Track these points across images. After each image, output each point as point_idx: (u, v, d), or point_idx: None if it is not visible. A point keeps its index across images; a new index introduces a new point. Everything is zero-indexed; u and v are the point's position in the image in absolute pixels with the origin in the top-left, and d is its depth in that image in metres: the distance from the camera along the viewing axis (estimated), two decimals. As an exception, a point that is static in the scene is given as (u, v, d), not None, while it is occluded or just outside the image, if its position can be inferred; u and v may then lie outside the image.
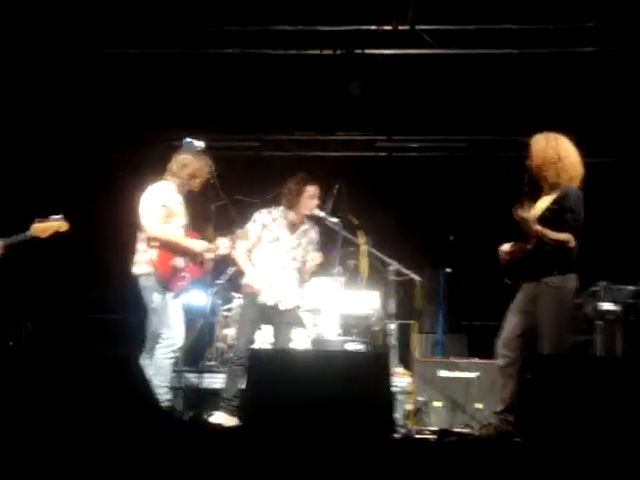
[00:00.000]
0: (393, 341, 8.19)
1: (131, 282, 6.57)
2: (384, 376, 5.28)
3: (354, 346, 8.00)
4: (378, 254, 7.91)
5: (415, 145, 11.17)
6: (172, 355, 6.40)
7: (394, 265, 7.89)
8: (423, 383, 7.44)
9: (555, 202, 5.85)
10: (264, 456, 3.99)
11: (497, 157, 10.32)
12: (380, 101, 9.91)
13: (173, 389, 6.74)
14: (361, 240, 7.89)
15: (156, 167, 6.72)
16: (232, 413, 6.67)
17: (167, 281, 6.40)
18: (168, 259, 6.44)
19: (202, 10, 8.70)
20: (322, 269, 7.81)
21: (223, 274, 8.66)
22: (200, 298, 8.25)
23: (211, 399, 7.54)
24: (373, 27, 9.00)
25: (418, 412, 7.37)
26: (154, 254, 6.40)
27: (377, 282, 8.44)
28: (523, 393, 5.72)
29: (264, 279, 7.02)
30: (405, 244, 9.41)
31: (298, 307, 7.30)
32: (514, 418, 5.80)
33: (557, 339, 5.69)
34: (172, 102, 9.89)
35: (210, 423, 6.33)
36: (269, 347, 7.70)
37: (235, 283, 8.34)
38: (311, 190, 7.08)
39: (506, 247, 6.07)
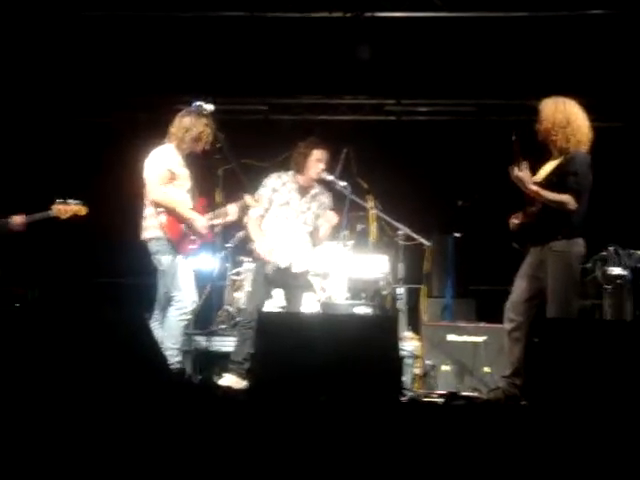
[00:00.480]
0: (401, 305, 8.21)
1: (139, 246, 6.59)
2: (392, 340, 5.30)
3: (362, 310, 8.02)
4: (387, 218, 7.90)
5: (424, 109, 11.11)
6: (184, 317, 6.42)
7: (403, 229, 7.90)
8: (431, 347, 7.46)
9: (560, 165, 5.85)
10: (272, 419, 4.02)
11: (506, 121, 10.27)
12: (389, 64, 9.86)
13: (183, 352, 6.77)
14: (370, 204, 7.87)
15: (163, 131, 6.72)
16: (241, 376, 6.71)
17: (177, 243, 6.43)
18: (178, 222, 6.46)
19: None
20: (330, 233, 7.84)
21: (232, 238, 8.66)
22: (209, 262, 8.26)
23: (220, 362, 7.58)
24: (383, -11, 8.95)
25: (426, 376, 7.40)
26: (163, 218, 6.41)
27: (386, 246, 8.44)
28: (530, 357, 5.74)
29: (275, 242, 7.07)
30: (414, 208, 9.39)
31: (308, 272, 7.34)
32: (521, 382, 5.82)
33: (564, 303, 5.71)
34: (179, 66, 9.84)
35: (219, 386, 6.36)
36: (278, 310, 7.73)
37: (244, 247, 8.36)
38: (318, 154, 7.09)
39: (516, 215, 6.06)
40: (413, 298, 8.63)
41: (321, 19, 9.20)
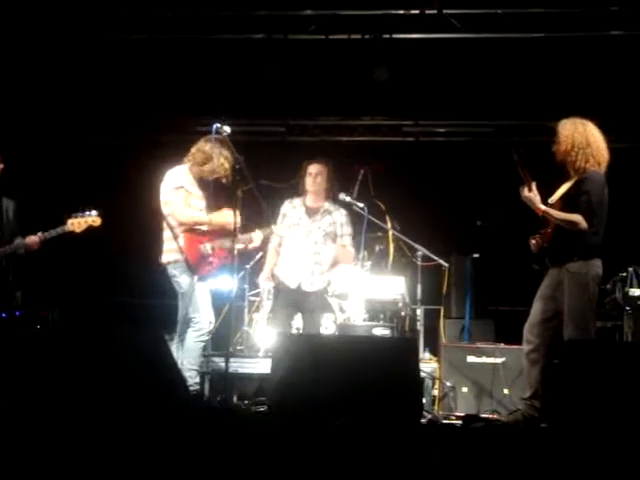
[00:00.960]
0: (420, 326, 8.19)
1: (157, 267, 6.62)
2: (414, 362, 5.29)
3: (381, 331, 7.99)
4: (405, 239, 7.91)
5: (442, 130, 11.13)
6: (202, 339, 6.44)
7: (421, 250, 7.89)
8: (450, 368, 7.45)
9: (574, 186, 5.85)
10: (291, 441, 4.01)
11: (524, 142, 10.26)
12: (407, 86, 9.88)
13: (200, 373, 6.78)
14: (388, 225, 7.88)
15: (182, 152, 6.75)
16: None
17: (195, 266, 6.46)
18: (195, 244, 6.49)
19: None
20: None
21: (251, 259, 8.67)
22: (227, 282, 8.27)
23: (238, 384, 7.58)
24: (401, 11, 8.98)
25: (445, 397, 7.38)
26: (181, 240, 6.46)
27: (404, 267, 8.43)
28: (550, 379, 5.71)
29: (286, 265, 7.20)
30: (432, 229, 9.39)
31: (326, 291, 7.35)
32: (540, 404, 5.79)
33: (581, 324, 5.68)
34: (199, 88, 9.90)
35: (238, 408, 6.37)
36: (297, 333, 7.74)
37: (263, 268, 8.38)
38: (310, 167, 7.24)
39: (535, 237, 6.05)
40: (432, 319, 8.61)
41: (340, 41, 9.24)
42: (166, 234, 6.53)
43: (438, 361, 7.74)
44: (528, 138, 10.19)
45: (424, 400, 7.18)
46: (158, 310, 8.78)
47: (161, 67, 9.79)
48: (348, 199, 7.36)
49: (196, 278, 6.44)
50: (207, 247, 6.53)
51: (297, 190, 7.36)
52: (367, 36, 9.17)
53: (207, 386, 7.68)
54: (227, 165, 6.55)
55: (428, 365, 7.75)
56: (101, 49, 9.42)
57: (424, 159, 10.94)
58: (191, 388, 6.12)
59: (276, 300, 7.41)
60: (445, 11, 8.81)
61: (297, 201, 7.30)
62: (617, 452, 3.90)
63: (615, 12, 8.60)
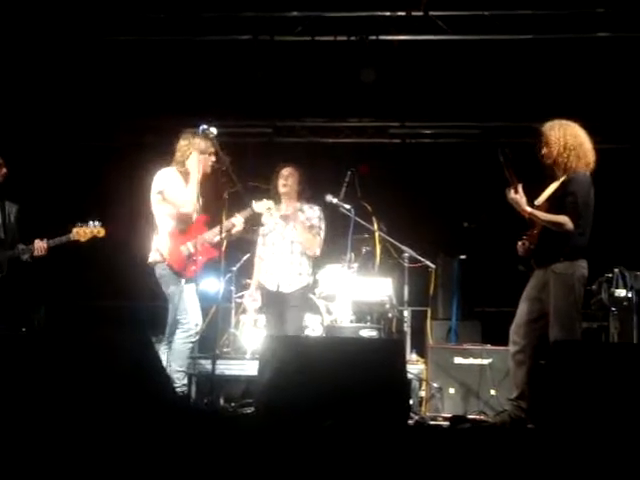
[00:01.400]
0: (407, 328, 8.20)
1: (146, 267, 6.60)
2: (400, 363, 5.29)
3: (368, 333, 8.00)
4: (392, 241, 7.91)
5: (428, 132, 11.14)
6: (190, 340, 6.41)
7: (408, 252, 7.89)
8: (437, 370, 7.45)
9: (560, 187, 5.85)
10: (278, 443, 4.01)
11: (511, 143, 10.27)
12: (393, 87, 9.89)
13: (187, 375, 6.76)
14: (375, 227, 7.89)
15: (170, 153, 6.74)
16: None
17: (179, 268, 6.43)
18: (176, 246, 6.47)
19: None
20: (335, 255, 7.88)
21: (237, 261, 8.67)
22: (214, 284, 8.26)
23: (224, 386, 7.56)
24: (387, 13, 8.98)
25: (432, 399, 7.39)
26: (161, 243, 6.47)
27: (391, 269, 8.43)
28: (536, 379, 5.72)
29: (266, 270, 7.29)
30: (419, 231, 9.40)
31: (307, 291, 7.38)
32: (527, 405, 5.80)
33: (566, 325, 5.69)
34: (186, 89, 9.88)
35: (225, 409, 6.36)
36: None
37: (249, 269, 8.38)
38: (282, 171, 7.34)
39: (523, 241, 6.05)
40: (418, 320, 8.62)
41: (326, 42, 9.23)
42: (154, 235, 6.52)
43: (425, 362, 7.75)
44: (515, 139, 10.21)
45: (411, 401, 7.19)
46: (146, 312, 8.77)
47: (147, 68, 9.76)
48: (335, 201, 7.38)
49: (183, 281, 6.41)
50: (189, 246, 6.50)
51: (271, 195, 7.39)
52: (353, 38, 9.17)
53: (194, 388, 7.66)
54: (206, 152, 6.53)
55: (415, 366, 7.76)
56: (88, 51, 9.37)
57: (411, 161, 10.95)
58: (178, 390, 6.11)
59: (263, 305, 7.43)
60: (431, 13, 8.80)
61: (273, 206, 7.28)
62: (603, 452, 3.91)
63: (601, 14, 8.63)
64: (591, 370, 4.72)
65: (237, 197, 6.66)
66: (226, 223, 6.62)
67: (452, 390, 7.36)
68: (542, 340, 5.81)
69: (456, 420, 6.23)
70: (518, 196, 5.80)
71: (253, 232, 7.35)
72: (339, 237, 7.84)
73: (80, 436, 3.91)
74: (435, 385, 7.39)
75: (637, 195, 10.04)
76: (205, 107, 9.47)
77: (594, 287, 7.94)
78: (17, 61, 9.23)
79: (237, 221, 6.74)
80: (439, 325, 9.26)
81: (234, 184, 6.48)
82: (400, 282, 8.24)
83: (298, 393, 4.86)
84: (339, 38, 9.21)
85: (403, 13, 8.90)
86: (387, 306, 8.37)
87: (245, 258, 8.47)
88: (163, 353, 6.19)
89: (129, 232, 7.09)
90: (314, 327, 7.94)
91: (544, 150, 5.94)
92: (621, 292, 7.66)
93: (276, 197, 7.29)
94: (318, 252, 7.36)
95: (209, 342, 7.77)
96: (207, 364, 7.76)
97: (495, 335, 7.61)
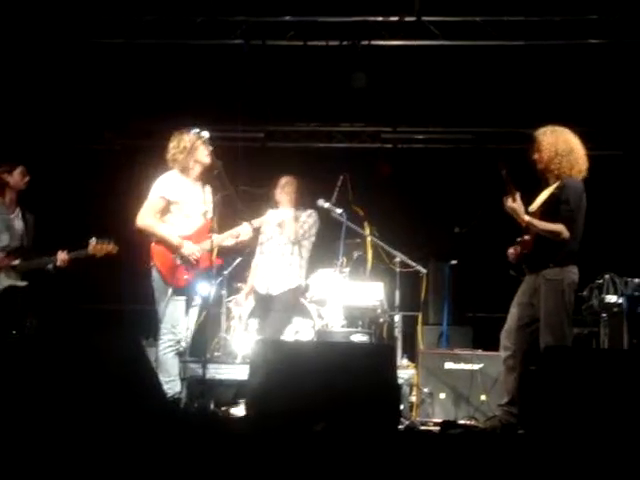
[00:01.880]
0: (398, 333, 8.19)
1: (138, 271, 6.58)
2: (391, 368, 5.29)
3: (359, 337, 8.00)
4: (383, 245, 7.91)
5: (420, 137, 11.16)
6: (168, 351, 6.23)
7: (399, 257, 7.89)
8: (428, 375, 7.45)
9: (553, 194, 5.86)
10: (269, 447, 4.00)
11: (503, 149, 10.31)
12: (386, 92, 9.90)
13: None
14: (366, 231, 7.89)
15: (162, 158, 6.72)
16: None
17: (166, 275, 6.27)
18: (167, 253, 6.31)
19: (209, 0, 8.73)
20: (327, 260, 7.89)
21: (229, 265, 8.65)
22: (205, 288, 8.23)
23: (216, 390, 7.55)
24: (379, 18, 9.00)
25: (422, 404, 7.38)
26: (152, 247, 6.33)
27: (382, 274, 8.43)
28: (527, 385, 5.72)
29: (260, 275, 7.41)
30: (410, 236, 9.42)
31: (297, 294, 7.42)
32: (518, 410, 5.80)
33: (557, 330, 5.69)
34: (179, 93, 9.87)
35: (215, 414, 6.33)
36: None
37: (241, 274, 8.39)
38: (280, 179, 7.44)
39: (514, 247, 6.05)
40: (409, 326, 8.61)
41: (318, 47, 9.23)
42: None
43: (416, 367, 7.74)
44: (507, 145, 10.24)
45: (402, 406, 7.19)
46: (138, 315, 8.75)
47: (140, 72, 9.76)
48: (327, 205, 7.39)
49: (170, 290, 6.25)
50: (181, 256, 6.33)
51: (270, 202, 7.43)
52: (346, 42, 9.17)
53: (184, 392, 7.63)
54: (191, 142, 6.38)
55: (406, 371, 7.75)
56: (82, 54, 9.36)
57: (403, 166, 10.96)
58: (169, 396, 6.04)
59: (256, 311, 7.60)
60: (424, 18, 8.82)
61: (270, 216, 7.42)
62: (594, 457, 3.91)
63: (594, 20, 8.65)
64: (582, 376, 4.72)
65: (229, 201, 6.64)
66: (232, 231, 6.54)
67: (443, 395, 7.35)
68: (533, 346, 5.81)
69: (447, 425, 6.23)
70: (516, 205, 5.80)
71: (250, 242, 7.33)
72: (331, 241, 7.85)
73: (70, 440, 3.90)
74: (426, 390, 7.38)
75: (628, 201, 10.06)
76: (197, 111, 9.45)
77: (585, 293, 7.95)
78: (10, 64, 9.20)
79: (245, 230, 6.57)
80: (430, 330, 9.26)
81: (226, 188, 6.45)
82: (391, 287, 8.24)
83: (289, 397, 4.85)
84: (331, 43, 9.22)
85: (396, 18, 8.92)
86: (378, 311, 8.37)
87: (236, 263, 8.45)
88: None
89: (126, 235, 7.03)
90: (305, 331, 7.93)
91: (536, 155, 5.95)
92: (611, 298, 7.67)
93: (273, 204, 7.43)
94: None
95: (199, 346, 7.76)
96: (197, 368, 7.74)
97: (486, 340, 7.61)
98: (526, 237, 5.91)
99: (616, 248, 9.36)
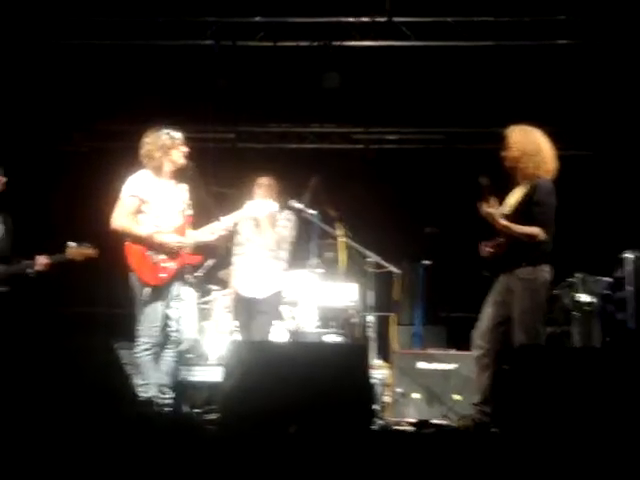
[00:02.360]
0: (371, 333, 8.19)
1: (111, 275, 6.53)
2: (364, 368, 5.28)
3: (332, 338, 8.00)
4: (356, 246, 7.91)
5: (392, 137, 11.18)
6: (147, 353, 6.16)
7: (373, 257, 7.90)
8: (401, 375, 7.45)
9: (525, 195, 5.87)
10: (242, 449, 3.98)
11: (474, 149, 10.35)
12: (357, 93, 9.90)
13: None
14: (339, 232, 7.89)
15: (132, 159, 6.67)
16: None
17: (141, 275, 6.18)
18: (140, 252, 6.21)
19: (179, 0, 8.70)
20: (300, 261, 7.87)
21: (201, 266, 8.61)
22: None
23: (188, 391, 7.51)
24: (350, 19, 9.00)
25: (396, 404, 7.38)
26: (126, 248, 6.22)
27: (355, 274, 8.43)
28: (500, 384, 5.74)
29: (240, 276, 7.28)
30: (383, 236, 9.40)
31: (279, 298, 7.40)
32: (491, 409, 5.81)
33: (531, 329, 5.71)
34: (148, 94, 9.81)
35: (187, 416, 6.29)
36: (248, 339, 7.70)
37: (213, 275, 8.35)
38: (260, 179, 7.34)
39: (487, 244, 6.06)
40: (383, 326, 8.62)
41: (289, 48, 9.23)
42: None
43: (389, 368, 7.74)
44: (478, 145, 10.28)
45: (375, 407, 7.18)
46: (114, 320, 8.71)
47: (109, 73, 9.70)
48: (299, 206, 7.36)
49: (147, 290, 6.17)
50: (158, 254, 6.25)
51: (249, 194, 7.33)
52: (316, 43, 9.17)
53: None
54: (168, 142, 6.34)
55: (379, 372, 7.74)
56: (44, 54, 9.29)
57: (374, 166, 10.98)
58: (141, 398, 5.99)
59: (236, 312, 7.47)
60: (395, 19, 8.85)
61: (255, 205, 7.19)
62: (566, 456, 3.93)
63: (562, 21, 8.70)
64: (555, 374, 4.74)
65: (199, 202, 6.60)
66: (212, 226, 6.50)
67: (416, 395, 7.36)
68: (505, 344, 5.83)
69: (420, 425, 6.24)
70: (492, 210, 5.81)
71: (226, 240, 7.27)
72: (303, 242, 7.83)
73: (41, 442, 3.87)
74: (399, 390, 7.38)
75: (599, 201, 10.12)
76: (167, 112, 9.40)
77: (556, 292, 7.98)
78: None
79: (224, 223, 6.50)
80: (404, 330, 9.28)
81: (198, 189, 6.41)
82: (365, 288, 8.24)
83: (262, 398, 4.83)
84: (302, 44, 9.21)
85: (367, 19, 8.94)
86: (352, 311, 8.37)
87: (211, 264, 8.41)
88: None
89: (98, 238, 6.97)
90: (278, 332, 7.91)
91: (504, 153, 5.98)
92: (583, 297, 7.70)
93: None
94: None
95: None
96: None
97: (460, 340, 7.62)
98: (500, 239, 5.92)
99: (587, 247, 9.40)
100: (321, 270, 8.37)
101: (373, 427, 5.73)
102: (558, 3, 8.58)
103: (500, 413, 5.56)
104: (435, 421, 6.85)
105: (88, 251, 6.94)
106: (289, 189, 7.67)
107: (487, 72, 9.46)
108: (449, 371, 7.34)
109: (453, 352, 7.59)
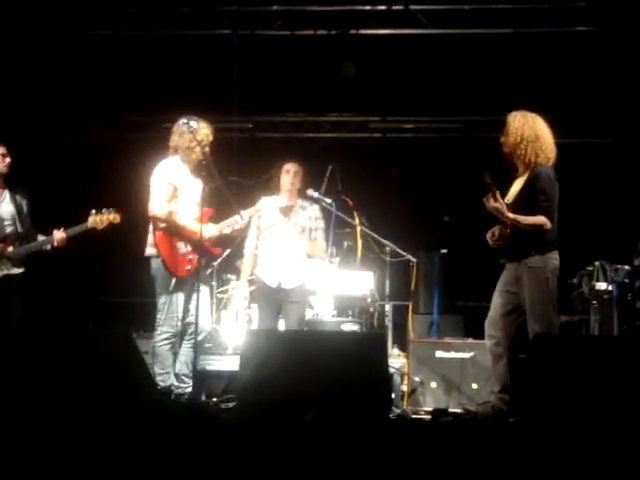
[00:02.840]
0: (388, 322, 8.20)
1: (136, 263, 6.52)
2: (382, 357, 5.29)
3: (349, 327, 8.00)
4: (373, 235, 7.90)
5: (409, 126, 11.16)
6: (167, 342, 6.19)
7: (390, 246, 7.90)
8: (418, 364, 7.46)
9: (527, 184, 5.83)
10: (260, 438, 4.00)
11: (492, 138, 10.28)
12: (374, 82, 9.88)
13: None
14: (356, 221, 7.88)
15: (152, 149, 6.69)
16: None
17: (170, 265, 6.20)
18: (171, 242, 6.23)
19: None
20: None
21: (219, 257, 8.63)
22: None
23: (206, 381, 7.54)
24: (367, 7, 8.98)
25: (413, 393, 7.39)
26: (157, 236, 6.21)
27: (372, 263, 8.43)
28: (518, 373, 5.73)
29: (266, 265, 7.11)
30: (400, 225, 9.41)
31: (305, 287, 7.37)
32: (509, 397, 5.80)
33: (545, 318, 5.67)
34: (167, 85, 9.84)
35: (207, 405, 6.32)
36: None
37: (231, 265, 8.36)
38: (288, 166, 7.19)
39: (491, 233, 6.03)
40: (400, 315, 8.62)
41: (306, 37, 9.21)
42: (151, 227, 6.31)
43: (407, 357, 7.75)
44: (496, 134, 10.21)
45: (393, 396, 7.19)
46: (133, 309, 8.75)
47: (127, 64, 9.72)
48: (316, 195, 7.34)
49: (173, 280, 6.20)
50: (183, 244, 6.29)
51: (269, 188, 7.28)
52: (334, 32, 9.15)
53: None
54: (202, 132, 6.38)
55: (397, 361, 7.76)
56: (65, 45, 9.32)
57: (392, 155, 10.96)
58: (160, 387, 6.01)
59: (259, 301, 7.34)
60: (412, 7, 8.81)
61: (271, 201, 7.17)
62: (585, 445, 3.92)
63: (582, 8, 8.65)
64: (572, 363, 4.73)
65: (218, 193, 6.61)
66: (230, 220, 6.52)
67: (434, 384, 7.36)
68: (520, 334, 5.81)
69: (438, 414, 6.24)
70: (498, 204, 5.77)
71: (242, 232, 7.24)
72: (324, 229, 7.82)
73: (58, 431, 3.90)
74: (417, 379, 7.39)
75: (619, 189, 10.07)
76: (185, 103, 9.41)
77: (575, 280, 7.96)
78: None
79: (238, 220, 6.55)
80: (421, 319, 9.28)
81: (216, 180, 6.41)
82: (382, 276, 8.24)
83: (279, 387, 4.85)
84: (319, 32, 9.20)
85: (384, 7, 8.91)
86: (369, 300, 8.38)
87: (226, 253, 8.42)
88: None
89: (123, 227, 6.97)
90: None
91: (502, 139, 5.95)
92: (602, 285, 7.68)
93: (276, 191, 7.19)
94: (325, 256, 7.43)
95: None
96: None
97: (477, 329, 7.59)
98: (504, 229, 5.89)
99: (606, 235, 9.36)
100: (338, 259, 8.38)
101: (391, 416, 5.75)
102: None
103: (518, 402, 5.56)
104: (453, 410, 6.86)
105: (110, 216, 6.72)
106: (306, 178, 7.66)
107: (505, 60, 9.41)
108: (466, 360, 7.34)
109: (470, 341, 7.59)
